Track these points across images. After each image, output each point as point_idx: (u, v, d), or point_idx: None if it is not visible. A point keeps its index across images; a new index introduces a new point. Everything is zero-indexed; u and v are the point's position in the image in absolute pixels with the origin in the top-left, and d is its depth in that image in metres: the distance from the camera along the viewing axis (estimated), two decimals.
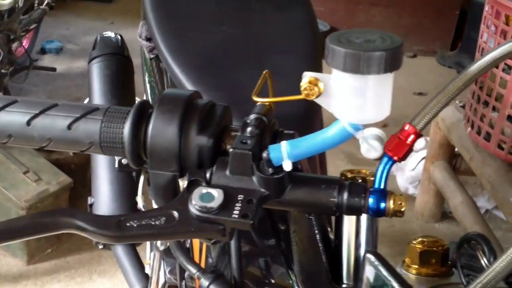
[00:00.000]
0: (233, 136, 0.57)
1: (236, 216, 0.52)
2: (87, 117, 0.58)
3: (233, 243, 0.75)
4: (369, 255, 0.60)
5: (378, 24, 4.03)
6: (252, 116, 0.57)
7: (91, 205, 1.05)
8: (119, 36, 1.23)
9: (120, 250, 1.12)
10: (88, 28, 4.05)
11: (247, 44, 1.12)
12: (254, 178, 0.54)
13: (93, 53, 1.17)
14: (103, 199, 1.04)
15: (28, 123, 0.59)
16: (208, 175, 0.55)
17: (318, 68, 1.08)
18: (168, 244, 0.77)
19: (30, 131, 0.59)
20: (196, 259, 1.00)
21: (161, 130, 0.56)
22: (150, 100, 1.29)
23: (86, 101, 1.11)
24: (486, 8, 1.84)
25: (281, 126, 0.60)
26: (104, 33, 1.24)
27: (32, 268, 2.10)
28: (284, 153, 0.53)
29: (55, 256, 2.15)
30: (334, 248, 0.66)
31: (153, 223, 0.54)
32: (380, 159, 0.55)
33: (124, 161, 0.67)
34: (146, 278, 1.12)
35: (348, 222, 0.65)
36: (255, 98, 0.58)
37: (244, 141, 0.55)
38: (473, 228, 1.96)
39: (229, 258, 0.77)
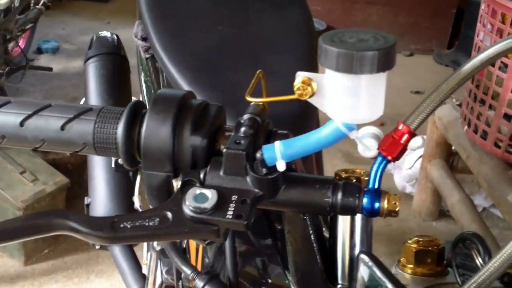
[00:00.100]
0: (227, 136, 0.57)
1: (230, 216, 0.52)
2: (81, 118, 0.58)
3: (227, 244, 0.75)
4: (362, 256, 0.60)
5: (374, 23, 4.03)
6: (246, 116, 0.57)
7: (87, 205, 1.05)
8: (115, 36, 1.23)
9: (117, 250, 1.12)
10: (84, 28, 4.04)
11: (243, 44, 1.12)
12: (248, 179, 0.54)
13: (89, 53, 1.17)
14: (100, 199, 1.04)
15: (22, 124, 0.58)
16: (202, 175, 0.55)
17: (314, 68, 1.07)
18: None
19: (24, 132, 0.58)
20: (193, 259, 1.00)
21: (155, 131, 0.55)
22: (146, 99, 1.29)
23: (82, 101, 1.11)
24: (483, 6, 1.84)
25: (276, 126, 0.60)
26: (100, 32, 1.23)
27: (29, 269, 2.10)
28: (278, 153, 0.53)
29: (53, 256, 2.15)
30: (328, 248, 0.66)
31: (146, 224, 0.53)
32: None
33: (121, 160, 0.67)
34: (143, 278, 1.12)
35: (343, 222, 0.64)
36: (248, 98, 0.57)
37: (238, 141, 0.55)
38: (470, 226, 1.96)
39: (225, 258, 0.77)
